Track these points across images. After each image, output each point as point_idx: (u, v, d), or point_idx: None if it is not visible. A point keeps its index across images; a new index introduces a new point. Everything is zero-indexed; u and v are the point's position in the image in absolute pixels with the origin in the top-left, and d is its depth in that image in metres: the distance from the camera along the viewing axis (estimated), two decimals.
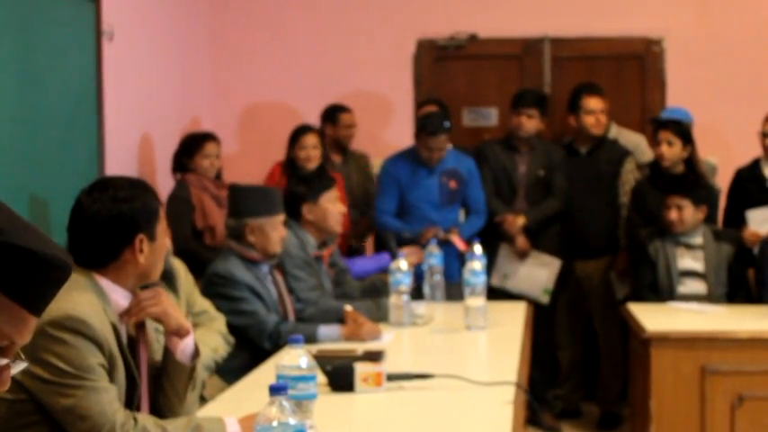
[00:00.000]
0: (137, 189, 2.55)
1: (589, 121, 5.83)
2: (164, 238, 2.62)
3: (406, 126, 6.49)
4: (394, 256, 4.52)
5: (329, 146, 6.03)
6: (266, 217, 4.08)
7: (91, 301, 2.41)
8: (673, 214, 5.07)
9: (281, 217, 4.15)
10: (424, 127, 5.50)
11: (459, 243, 5.18)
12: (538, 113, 5.85)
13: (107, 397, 2.34)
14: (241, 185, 4.35)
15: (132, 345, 2.56)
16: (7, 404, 2.38)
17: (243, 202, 4.12)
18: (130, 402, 2.51)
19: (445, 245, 5.16)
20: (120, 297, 2.52)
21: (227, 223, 4.15)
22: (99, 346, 2.38)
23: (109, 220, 2.48)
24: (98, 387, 2.34)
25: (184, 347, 2.61)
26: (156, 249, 2.57)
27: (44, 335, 2.33)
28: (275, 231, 4.10)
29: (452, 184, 5.55)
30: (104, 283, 2.49)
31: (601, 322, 5.94)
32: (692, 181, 5.24)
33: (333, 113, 6.19)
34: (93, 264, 2.50)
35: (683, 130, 5.48)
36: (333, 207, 4.54)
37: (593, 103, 5.84)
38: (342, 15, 6.70)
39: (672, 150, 5.44)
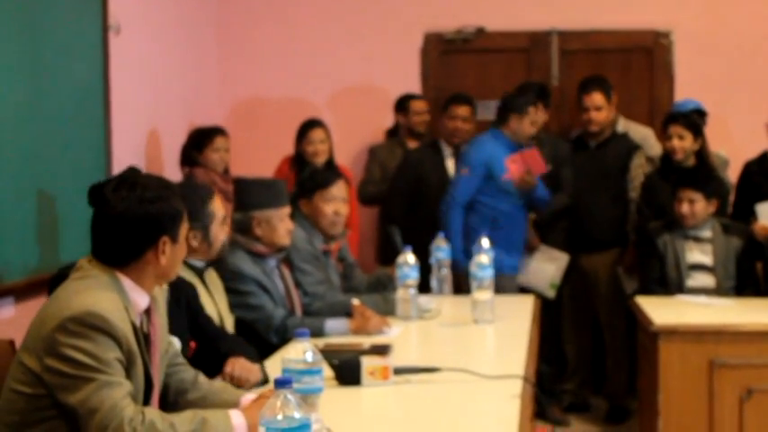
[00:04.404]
0: (164, 190, 2.53)
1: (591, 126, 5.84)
2: (184, 241, 2.61)
3: None
4: (398, 250, 4.49)
5: (403, 135, 6.24)
6: (273, 209, 4.07)
7: (112, 299, 2.41)
8: (684, 208, 5.04)
9: (287, 209, 4.13)
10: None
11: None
12: (541, 105, 5.82)
13: (120, 392, 2.33)
14: (246, 178, 4.32)
15: (146, 342, 2.55)
16: (26, 398, 2.38)
17: (249, 194, 4.10)
18: (147, 401, 2.50)
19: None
20: (138, 297, 2.51)
21: (234, 217, 4.12)
22: (118, 342, 2.37)
23: (135, 220, 2.46)
24: (112, 381, 2.33)
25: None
26: (177, 251, 2.56)
27: (65, 330, 2.33)
28: (282, 223, 4.08)
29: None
30: (126, 282, 2.49)
31: (606, 316, 5.92)
32: (705, 174, 5.21)
33: (402, 102, 6.31)
34: (114, 262, 2.49)
35: (692, 123, 5.45)
36: (326, 207, 4.46)
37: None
38: (349, 9, 6.69)
39: (683, 144, 5.40)
